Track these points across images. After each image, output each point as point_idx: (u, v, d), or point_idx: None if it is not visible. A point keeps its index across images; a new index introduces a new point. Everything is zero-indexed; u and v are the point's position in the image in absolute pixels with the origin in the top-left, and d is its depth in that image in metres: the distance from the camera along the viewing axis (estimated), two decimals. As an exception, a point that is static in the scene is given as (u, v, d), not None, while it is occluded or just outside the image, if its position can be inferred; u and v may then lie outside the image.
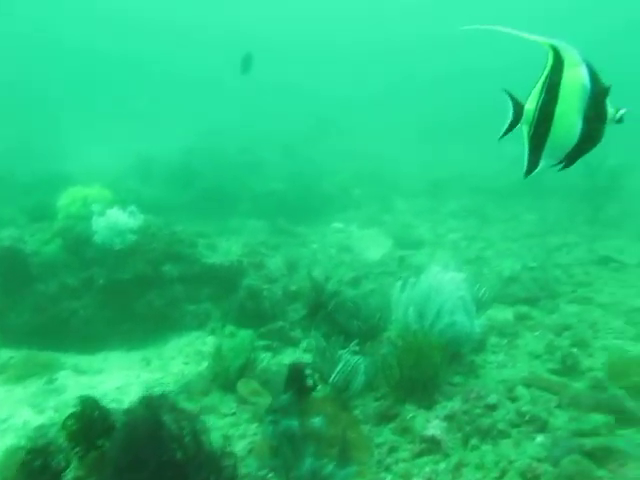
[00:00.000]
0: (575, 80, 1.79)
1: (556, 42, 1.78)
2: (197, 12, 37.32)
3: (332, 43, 38.36)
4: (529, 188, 10.85)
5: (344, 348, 3.50)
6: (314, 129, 16.44)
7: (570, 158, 1.92)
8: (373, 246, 8.28)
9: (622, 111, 1.83)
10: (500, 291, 5.43)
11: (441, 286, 3.67)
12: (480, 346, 4.02)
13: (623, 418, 2.97)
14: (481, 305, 4.04)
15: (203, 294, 5.42)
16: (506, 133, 1.94)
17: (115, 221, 5.20)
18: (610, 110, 1.81)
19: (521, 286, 5.57)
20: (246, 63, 8.49)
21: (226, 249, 6.09)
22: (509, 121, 1.91)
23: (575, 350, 3.95)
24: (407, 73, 31.75)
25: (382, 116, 20.78)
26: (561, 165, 1.95)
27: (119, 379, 4.25)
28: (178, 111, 21.86)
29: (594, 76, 1.78)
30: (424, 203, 11.01)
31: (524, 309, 5.11)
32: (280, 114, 19.33)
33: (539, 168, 1.94)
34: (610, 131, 1.89)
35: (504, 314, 4.98)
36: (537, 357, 3.99)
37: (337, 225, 9.59)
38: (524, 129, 1.92)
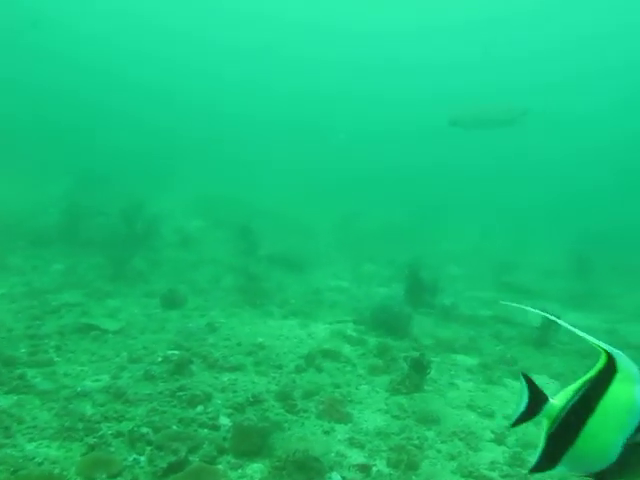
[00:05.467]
0: (626, 398, 1.55)
1: (614, 351, 1.58)
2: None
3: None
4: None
5: None
6: None
7: (604, 478, 1.61)
8: None
9: None
10: None
11: None
12: None
13: None
14: None
15: None
16: (519, 423, 1.70)
17: None
18: None
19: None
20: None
21: None
22: (522, 410, 1.69)
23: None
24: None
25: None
26: None
27: None
28: None
29: None
30: None
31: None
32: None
33: (554, 471, 1.65)
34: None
35: None
36: None
37: None
38: (544, 422, 1.68)
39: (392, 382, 5.63)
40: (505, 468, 4.44)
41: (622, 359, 1.60)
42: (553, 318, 1.90)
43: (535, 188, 28.36)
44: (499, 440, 4.88)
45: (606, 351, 1.63)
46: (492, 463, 4.50)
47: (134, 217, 10.66)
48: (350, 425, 4.85)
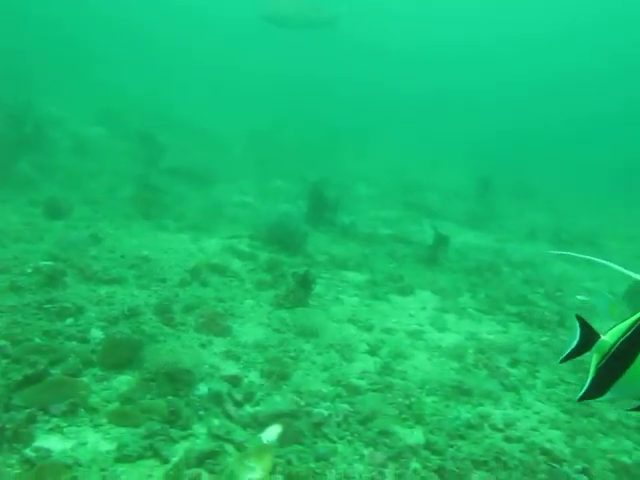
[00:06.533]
0: None
1: None
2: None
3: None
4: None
5: None
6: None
7: None
8: None
9: None
10: None
11: None
12: None
13: None
14: None
15: None
16: (569, 358, 1.81)
17: None
18: None
19: None
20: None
21: None
22: (574, 346, 1.79)
23: None
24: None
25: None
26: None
27: None
28: None
29: None
30: None
31: None
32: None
33: (602, 399, 1.82)
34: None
35: None
36: None
37: None
38: (595, 357, 1.81)
39: (277, 297, 5.67)
40: (374, 377, 4.65)
41: None
42: (603, 262, 1.87)
43: (458, 115, 28.85)
44: (373, 352, 5.09)
45: None
46: (363, 372, 4.70)
47: (22, 118, 9.73)
48: (229, 338, 4.87)
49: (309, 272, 5.80)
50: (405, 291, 6.67)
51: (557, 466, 3.67)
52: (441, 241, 7.79)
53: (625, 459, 3.77)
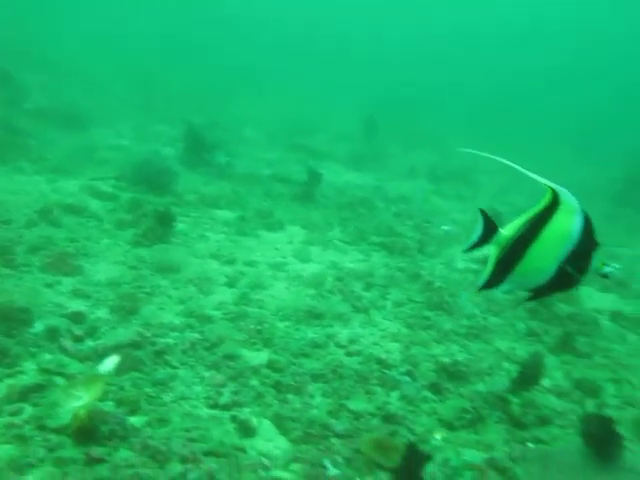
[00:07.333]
0: (564, 226, 1.76)
1: (557, 187, 1.76)
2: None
3: None
4: None
5: None
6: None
7: (536, 294, 1.91)
8: None
9: (609, 269, 1.81)
10: None
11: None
12: None
13: None
14: None
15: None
16: (472, 249, 1.90)
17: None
18: (596, 264, 1.79)
19: None
20: None
21: None
22: (476, 239, 1.88)
23: None
24: None
25: None
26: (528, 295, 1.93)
27: None
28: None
29: (587, 229, 1.75)
30: None
31: None
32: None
33: (498, 289, 1.91)
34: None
35: None
36: None
37: None
38: (493, 249, 1.90)
39: (136, 235, 5.54)
40: (230, 307, 4.73)
41: (565, 194, 1.75)
42: (509, 163, 1.91)
43: (361, 64, 29.06)
44: (232, 284, 5.15)
45: (551, 188, 1.78)
46: (219, 304, 4.76)
47: None
48: (79, 278, 4.71)
49: (170, 209, 5.69)
50: (274, 227, 6.75)
51: (387, 372, 3.98)
52: (314, 177, 7.91)
53: (446, 360, 4.15)
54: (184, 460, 2.80)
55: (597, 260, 1.83)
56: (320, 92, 21.15)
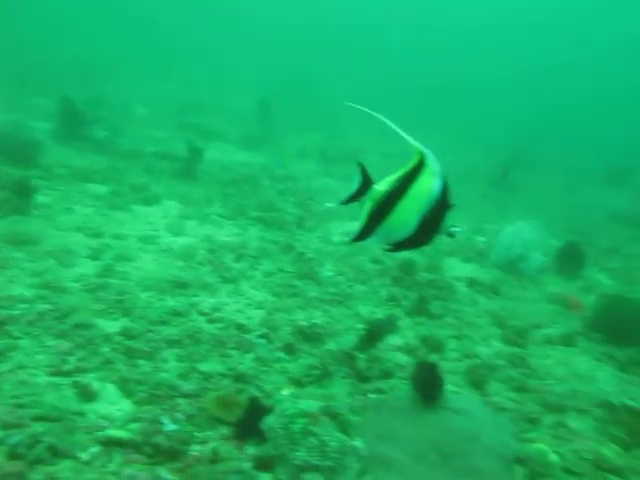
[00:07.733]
0: (427, 186, 1.91)
1: (425, 150, 1.89)
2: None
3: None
4: None
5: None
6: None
7: (398, 246, 2.04)
8: None
9: (455, 229, 2.00)
10: None
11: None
12: None
13: None
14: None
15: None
16: (349, 201, 1.97)
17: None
18: (446, 224, 1.98)
19: None
20: None
21: None
22: (354, 191, 1.95)
23: None
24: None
25: None
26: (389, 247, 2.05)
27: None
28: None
29: (444, 190, 1.93)
30: None
31: None
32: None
33: (366, 241, 2.02)
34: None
35: None
36: None
37: None
38: (367, 203, 1.98)
39: (-12, 208, 5.20)
40: (91, 279, 4.57)
41: (430, 158, 1.90)
42: (384, 119, 1.93)
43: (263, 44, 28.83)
44: (95, 256, 4.99)
45: (419, 150, 1.90)
46: (79, 276, 4.60)
47: None
48: None
49: (29, 180, 5.39)
50: (150, 201, 6.60)
51: (244, 335, 4.05)
52: (195, 153, 7.80)
53: (304, 323, 4.30)
54: (7, 426, 2.71)
55: (448, 220, 2.00)
56: (220, 74, 20.79)
